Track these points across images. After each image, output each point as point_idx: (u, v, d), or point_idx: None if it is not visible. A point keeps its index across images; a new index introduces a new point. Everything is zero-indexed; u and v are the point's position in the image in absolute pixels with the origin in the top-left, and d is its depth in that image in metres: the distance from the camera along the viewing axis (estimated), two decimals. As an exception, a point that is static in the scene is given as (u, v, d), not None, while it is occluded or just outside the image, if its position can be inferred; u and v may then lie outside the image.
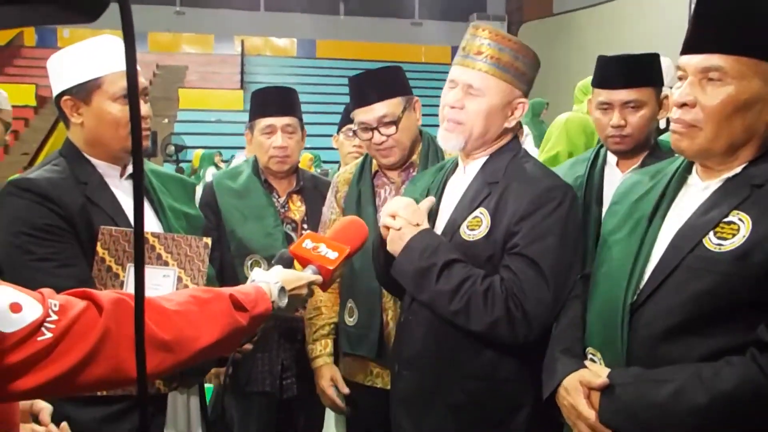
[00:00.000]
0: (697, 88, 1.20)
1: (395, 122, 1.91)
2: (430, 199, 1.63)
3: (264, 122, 2.22)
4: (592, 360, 1.35)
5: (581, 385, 1.28)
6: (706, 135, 1.20)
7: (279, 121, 2.20)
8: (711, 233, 1.19)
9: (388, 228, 1.59)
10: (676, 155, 1.39)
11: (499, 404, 1.53)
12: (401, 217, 1.55)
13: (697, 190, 1.29)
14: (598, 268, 1.41)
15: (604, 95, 1.90)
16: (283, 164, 2.22)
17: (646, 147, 1.93)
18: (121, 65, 1.60)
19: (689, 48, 1.23)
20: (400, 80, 2.00)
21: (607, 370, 1.27)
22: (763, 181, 1.19)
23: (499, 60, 1.55)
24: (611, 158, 1.99)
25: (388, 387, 1.94)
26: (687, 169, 1.34)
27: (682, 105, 1.22)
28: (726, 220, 1.19)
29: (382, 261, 1.67)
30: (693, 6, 1.29)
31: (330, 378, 2.00)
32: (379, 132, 1.91)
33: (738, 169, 1.23)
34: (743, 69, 1.16)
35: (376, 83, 1.95)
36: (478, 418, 1.53)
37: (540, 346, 1.46)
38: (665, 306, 1.22)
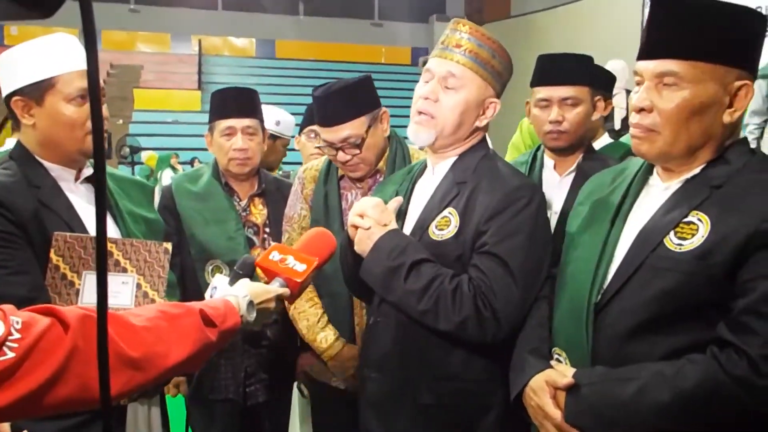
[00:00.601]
0: (654, 93, 1.23)
1: (359, 144, 1.88)
2: (398, 200, 1.63)
3: (224, 124, 2.16)
4: (558, 360, 1.37)
5: (547, 385, 1.30)
6: (665, 139, 1.22)
7: (239, 123, 2.16)
8: (672, 233, 1.21)
9: (356, 228, 1.57)
10: (631, 157, 1.42)
11: (468, 405, 1.53)
12: (369, 216, 1.54)
13: (658, 190, 1.31)
14: (564, 268, 1.42)
15: (544, 92, 1.95)
16: (243, 166, 2.17)
17: (581, 147, 1.98)
18: (77, 65, 1.56)
19: (645, 54, 1.25)
20: (366, 96, 1.93)
21: (573, 370, 1.29)
22: (722, 182, 1.21)
23: (478, 55, 1.55)
24: (548, 161, 2.02)
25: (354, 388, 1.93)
26: (648, 170, 1.36)
27: (641, 110, 1.24)
28: (686, 220, 1.21)
29: (350, 262, 1.65)
30: (647, 10, 1.31)
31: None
32: (344, 152, 1.90)
33: (697, 170, 1.25)
34: (698, 73, 1.18)
35: (341, 102, 1.88)
36: (447, 419, 1.53)
37: (509, 347, 1.47)
38: (629, 305, 1.23)
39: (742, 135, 1.31)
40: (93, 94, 0.41)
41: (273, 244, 1.76)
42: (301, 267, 1.43)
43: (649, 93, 1.23)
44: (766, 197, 1.14)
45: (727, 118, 1.21)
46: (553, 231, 1.69)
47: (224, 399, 2.13)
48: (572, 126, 1.92)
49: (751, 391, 1.09)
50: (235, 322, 1.22)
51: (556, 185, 1.96)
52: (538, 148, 2.08)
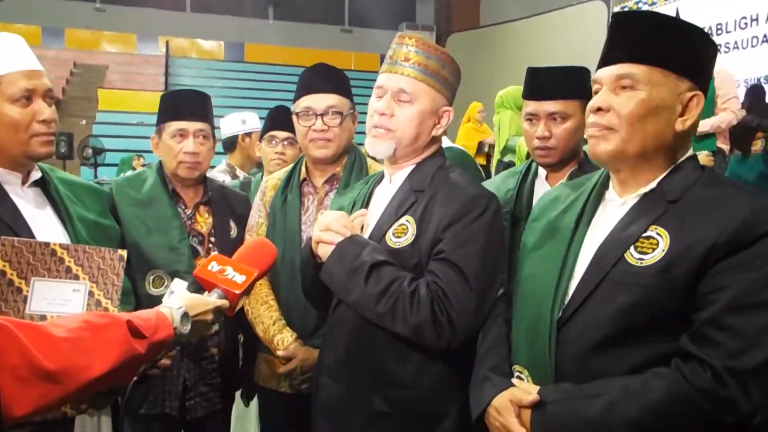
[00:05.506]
0: (612, 95, 1.26)
1: (342, 113, 1.94)
2: (362, 212, 1.63)
3: (175, 125, 2.09)
4: (520, 377, 1.35)
5: (511, 403, 1.28)
6: (621, 136, 1.25)
7: (192, 126, 2.09)
8: (632, 248, 1.22)
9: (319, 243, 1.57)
10: (594, 172, 1.42)
11: (422, 413, 1.52)
12: (334, 230, 1.54)
13: (615, 205, 1.33)
14: (521, 284, 1.41)
15: (531, 106, 1.92)
16: (193, 170, 2.10)
17: (573, 160, 1.95)
18: (21, 64, 1.51)
19: (603, 62, 1.30)
20: (349, 87, 2.04)
21: (537, 388, 1.27)
22: (677, 197, 1.24)
23: (427, 67, 1.57)
24: (542, 172, 2.00)
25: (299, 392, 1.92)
26: (604, 185, 1.38)
27: (598, 109, 1.27)
28: (645, 235, 1.22)
29: (311, 273, 1.64)
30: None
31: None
32: (323, 120, 1.92)
33: (653, 185, 1.28)
34: (653, 77, 1.24)
35: (331, 77, 1.99)
36: (400, 427, 1.52)
37: (463, 356, 1.46)
38: (592, 320, 1.23)
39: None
40: None
41: (214, 253, 1.73)
42: (240, 278, 1.41)
43: (607, 95, 1.27)
44: (722, 211, 1.17)
45: (679, 126, 1.25)
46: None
47: (160, 414, 2.00)
48: (560, 142, 1.87)
49: (716, 401, 1.10)
50: (167, 334, 1.20)
51: None
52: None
